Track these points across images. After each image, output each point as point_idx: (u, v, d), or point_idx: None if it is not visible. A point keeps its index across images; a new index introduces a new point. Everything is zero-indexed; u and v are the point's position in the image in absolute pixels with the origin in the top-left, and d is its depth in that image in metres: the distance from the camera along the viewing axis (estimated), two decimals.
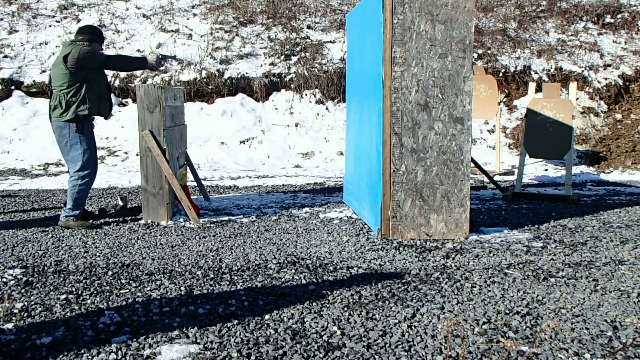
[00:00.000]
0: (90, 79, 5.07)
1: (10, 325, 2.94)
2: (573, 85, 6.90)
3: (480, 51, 11.49)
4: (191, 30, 11.67)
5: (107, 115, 5.33)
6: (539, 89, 10.01)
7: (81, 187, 5.12)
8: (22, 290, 3.48)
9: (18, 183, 7.55)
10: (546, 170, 9.06)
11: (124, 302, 3.28)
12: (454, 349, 2.69)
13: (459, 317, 3.08)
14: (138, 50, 11.00)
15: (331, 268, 3.96)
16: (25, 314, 3.09)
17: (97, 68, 5.11)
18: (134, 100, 10.26)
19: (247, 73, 10.76)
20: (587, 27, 12.32)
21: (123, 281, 3.67)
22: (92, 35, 5.18)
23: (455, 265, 4.04)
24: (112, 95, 5.54)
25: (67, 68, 4.98)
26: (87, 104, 5.03)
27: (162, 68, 5.89)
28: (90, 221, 5.24)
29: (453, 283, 3.64)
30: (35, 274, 3.81)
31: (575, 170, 8.96)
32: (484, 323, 3.00)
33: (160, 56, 5.25)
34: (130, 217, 5.53)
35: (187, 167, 6.15)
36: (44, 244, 4.55)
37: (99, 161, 9.25)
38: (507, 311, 3.17)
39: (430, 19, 4.57)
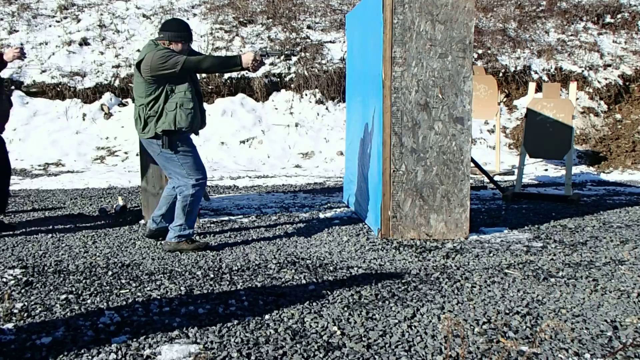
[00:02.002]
0: (173, 88, 4.23)
1: (10, 325, 2.94)
2: (573, 85, 6.90)
3: (480, 51, 11.49)
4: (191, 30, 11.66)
5: (197, 131, 4.54)
6: (539, 89, 10.00)
7: (191, 199, 4.33)
8: (22, 290, 3.48)
9: (18, 183, 7.55)
10: (546, 170, 9.07)
11: (124, 302, 3.28)
12: (454, 349, 2.69)
13: (459, 317, 3.08)
14: (138, 50, 11.00)
15: (331, 268, 3.96)
16: (25, 314, 3.09)
17: (177, 76, 4.20)
18: (134, 100, 10.26)
19: (247, 73, 10.75)
20: (587, 27, 12.32)
21: (123, 281, 3.67)
22: (175, 33, 4.27)
23: (455, 265, 4.04)
24: (203, 104, 4.63)
25: (143, 77, 4.22)
26: (168, 118, 4.22)
27: (262, 68, 4.82)
28: (206, 241, 4.55)
29: (453, 283, 3.64)
30: (35, 274, 3.81)
31: (575, 170, 8.96)
32: (484, 323, 3.00)
33: (261, 55, 4.18)
34: (130, 217, 5.53)
35: None
36: (44, 244, 4.55)
37: (98, 161, 9.26)
38: (507, 311, 3.17)
39: (430, 19, 4.57)
